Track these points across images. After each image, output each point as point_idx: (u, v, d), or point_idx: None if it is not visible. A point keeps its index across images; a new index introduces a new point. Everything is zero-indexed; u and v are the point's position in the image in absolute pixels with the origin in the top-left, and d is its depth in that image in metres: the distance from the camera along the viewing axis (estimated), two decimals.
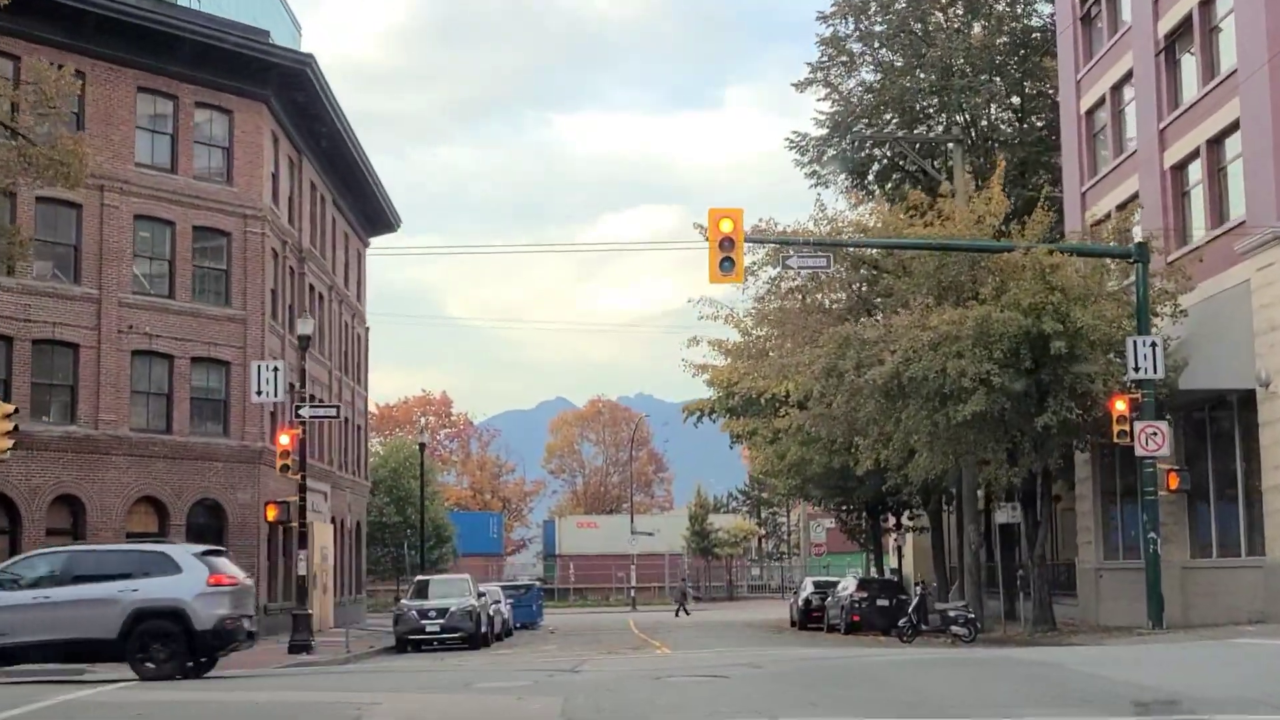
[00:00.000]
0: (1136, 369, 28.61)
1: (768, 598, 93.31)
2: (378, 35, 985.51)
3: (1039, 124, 49.35)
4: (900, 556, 55.96)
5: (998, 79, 48.39)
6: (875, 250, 32.43)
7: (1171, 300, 30.56)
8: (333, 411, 35.37)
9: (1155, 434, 28.48)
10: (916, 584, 43.07)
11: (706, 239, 29.03)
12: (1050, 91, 49.14)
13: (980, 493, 39.12)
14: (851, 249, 32.47)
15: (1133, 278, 32.53)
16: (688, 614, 62.32)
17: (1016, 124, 49.77)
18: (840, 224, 33.12)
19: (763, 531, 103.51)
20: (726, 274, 28.02)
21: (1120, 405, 28.64)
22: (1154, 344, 28.70)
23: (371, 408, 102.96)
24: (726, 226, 27.97)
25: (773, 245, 32.55)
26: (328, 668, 26.13)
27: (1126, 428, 28.55)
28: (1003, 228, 31.52)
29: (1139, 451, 28.59)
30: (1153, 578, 28.96)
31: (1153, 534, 28.98)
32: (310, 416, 32.71)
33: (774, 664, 18.27)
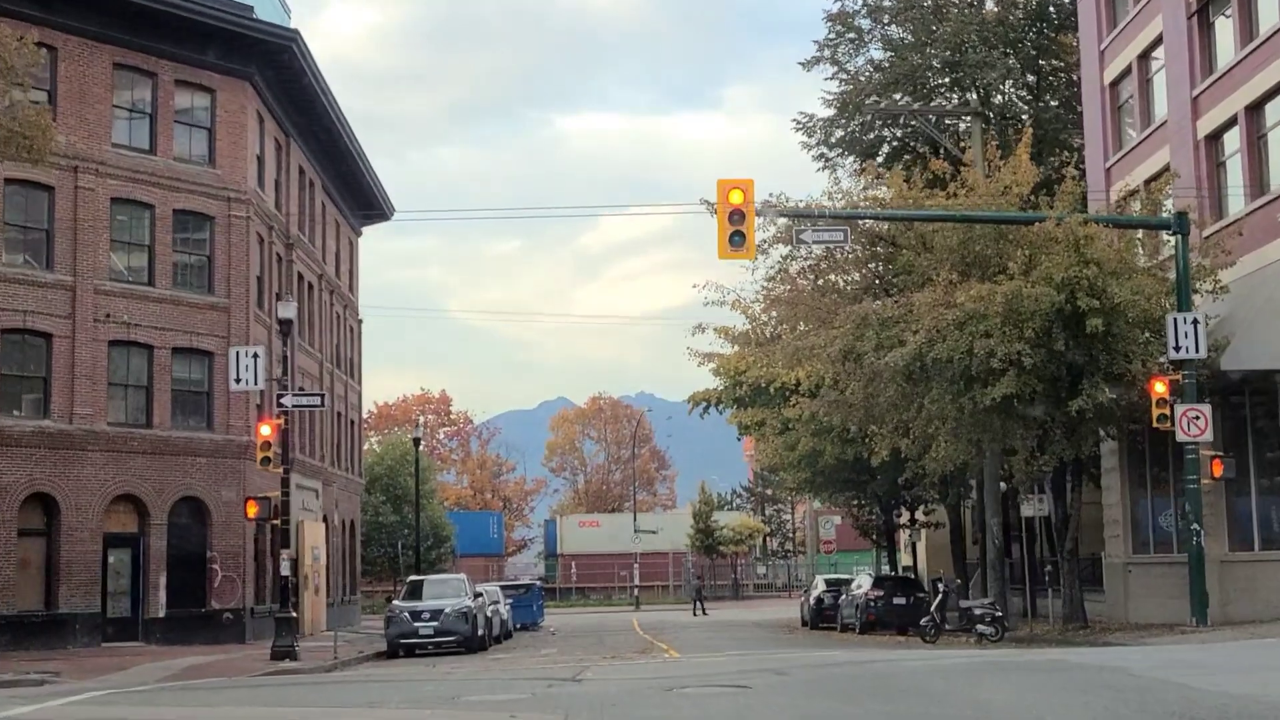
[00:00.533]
0: (1177, 348, 26.68)
1: (773, 597, 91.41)
2: (375, 38, 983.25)
3: (1054, 103, 47.53)
4: (915, 553, 53.94)
5: (1012, 58, 46.61)
6: (892, 226, 30.42)
7: (1211, 276, 28.58)
8: (316, 400, 33.37)
9: (1198, 418, 26.56)
10: (935, 580, 41.11)
11: (714, 213, 27.16)
12: (1065, 69, 47.39)
13: (1002, 485, 37.20)
14: (868, 224, 30.47)
15: (1164, 253, 30.70)
16: (705, 614, 60.45)
17: (1032, 101, 47.92)
18: (856, 198, 31.14)
19: (768, 529, 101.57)
20: (736, 249, 26.06)
21: (1160, 387, 26.70)
22: (1195, 321, 26.76)
23: (371, 406, 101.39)
24: (736, 198, 26.03)
25: (784, 224, 30.53)
26: (310, 676, 24.22)
27: (1167, 411, 26.63)
28: (1031, 198, 29.53)
29: (1181, 437, 26.66)
30: (1196, 572, 27.07)
31: (1196, 525, 27.05)
32: (294, 406, 30.76)
33: (800, 670, 16.31)
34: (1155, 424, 26.87)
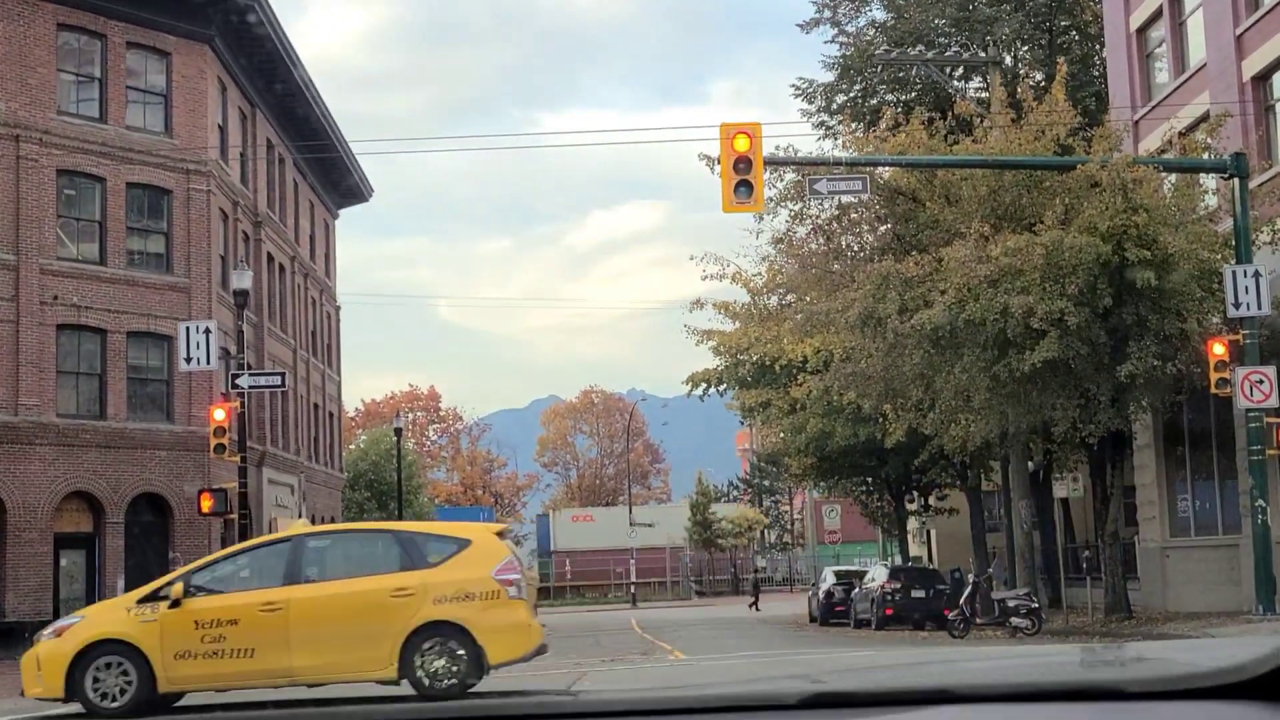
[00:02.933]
0: (1236, 304, 23.85)
1: (773, 591, 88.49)
2: (361, 39, 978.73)
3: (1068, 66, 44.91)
4: (930, 541, 51.11)
5: (1021, 16, 44.07)
6: (913, 178, 27.52)
7: (1269, 225, 25.76)
8: (276, 380, 30.39)
9: (1261, 381, 23.73)
10: (954, 571, 38.33)
11: (718, 163, 24.31)
12: (1078, 27, 44.87)
13: (1029, 464, 34.39)
14: (885, 178, 27.57)
15: (1202, 208, 27.94)
16: (759, 610, 57.31)
17: (1046, 61, 45.28)
18: (874, 148, 28.19)
19: (766, 521, 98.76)
20: (743, 201, 23.17)
21: (1219, 349, 23.87)
22: (1257, 274, 23.93)
23: (359, 404, 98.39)
24: (742, 144, 23.16)
25: (791, 179, 27.64)
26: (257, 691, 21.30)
27: (1226, 375, 23.80)
28: (1068, 141, 26.67)
29: (1243, 403, 23.83)
30: (1261, 554, 24.26)
31: (1261, 501, 24.25)
32: (250, 387, 27.87)
33: (837, 677, 13.27)
34: (1214, 389, 24.03)
